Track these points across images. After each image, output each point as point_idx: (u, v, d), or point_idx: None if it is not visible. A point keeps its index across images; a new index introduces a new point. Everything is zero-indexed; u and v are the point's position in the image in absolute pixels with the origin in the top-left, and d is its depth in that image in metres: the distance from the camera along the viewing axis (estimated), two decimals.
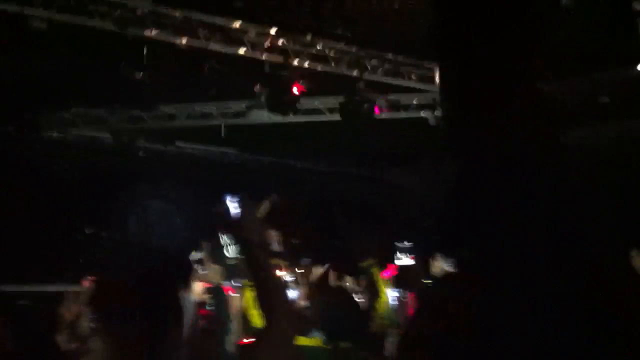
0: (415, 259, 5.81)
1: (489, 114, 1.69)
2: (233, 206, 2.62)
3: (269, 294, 2.36)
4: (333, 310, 4.89)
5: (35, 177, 10.37)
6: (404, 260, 5.74)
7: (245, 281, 4.62)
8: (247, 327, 4.63)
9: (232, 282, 5.50)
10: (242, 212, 2.52)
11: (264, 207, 7.56)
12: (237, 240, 2.58)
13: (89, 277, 5.71)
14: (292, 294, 7.28)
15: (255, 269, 2.43)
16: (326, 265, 7.03)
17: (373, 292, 4.74)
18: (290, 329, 2.39)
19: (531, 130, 1.71)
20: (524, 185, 1.68)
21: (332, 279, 7.05)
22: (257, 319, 4.49)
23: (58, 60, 7.67)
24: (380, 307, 4.77)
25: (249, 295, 4.52)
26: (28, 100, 9.53)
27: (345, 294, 5.51)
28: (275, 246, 8.90)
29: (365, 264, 4.67)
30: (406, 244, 5.81)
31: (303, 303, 6.62)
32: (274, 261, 8.67)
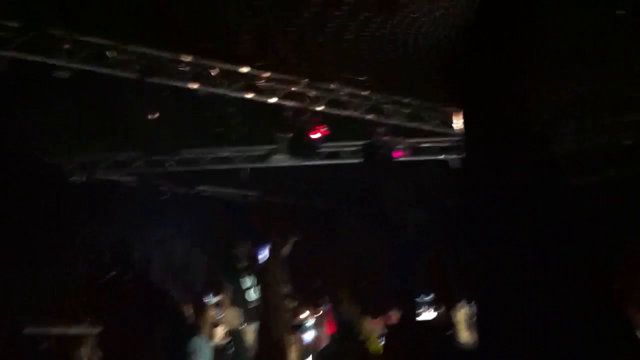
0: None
1: (511, 157, 1.69)
2: (261, 250, 2.64)
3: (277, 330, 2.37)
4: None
5: (58, 220, 10.48)
6: (426, 314, 5.66)
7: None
8: None
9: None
10: (269, 255, 2.54)
11: (287, 248, 7.59)
12: (260, 281, 2.60)
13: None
14: (310, 335, 7.26)
15: (270, 309, 2.43)
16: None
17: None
18: None
19: (549, 175, 1.70)
20: (542, 232, 1.67)
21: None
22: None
23: (80, 105, 7.83)
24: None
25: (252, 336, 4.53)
26: (52, 146, 9.71)
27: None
28: (290, 288, 8.91)
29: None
30: (426, 297, 5.73)
31: (322, 343, 6.60)
32: (291, 304, 8.69)
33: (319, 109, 8.42)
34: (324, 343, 6.80)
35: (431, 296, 5.73)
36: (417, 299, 5.75)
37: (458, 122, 7.05)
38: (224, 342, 5.72)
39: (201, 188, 11.55)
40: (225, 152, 10.24)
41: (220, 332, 5.79)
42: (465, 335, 5.81)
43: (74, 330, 9.16)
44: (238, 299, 7.34)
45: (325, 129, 8.55)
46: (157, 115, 7.77)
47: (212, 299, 5.71)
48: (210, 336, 5.77)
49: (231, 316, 5.55)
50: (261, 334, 6.92)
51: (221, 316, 5.64)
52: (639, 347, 1.60)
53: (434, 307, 5.76)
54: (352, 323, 6.51)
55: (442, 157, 9.72)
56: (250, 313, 7.56)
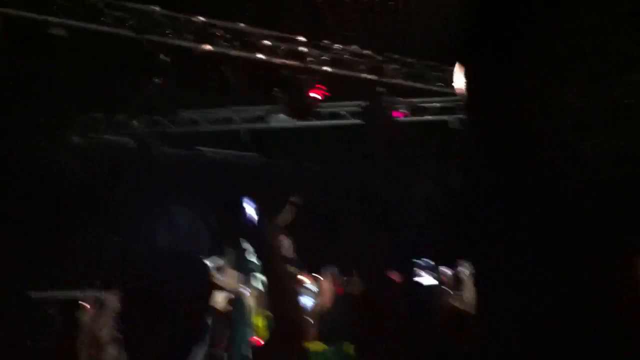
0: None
1: (515, 117, 1.66)
2: (251, 212, 2.59)
3: (282, 300, 2.35)
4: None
5: (58, 181, 10.46)
6: (427, 278, 5.60)
7: (252, 289, 4.60)
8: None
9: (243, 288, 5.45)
10: (261, 219, 2.50)
11: (287, 212, 7.55)
12: (257, 247, 2.57)
13: (113, 288, 5.74)
14: (308, 301, 7.27)
15: (272, 276, 2.40)
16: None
17: None
18: (297, 335, 2.37)
19: (553, 136, 1.68)
20: (542, 190, 1.64)
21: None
22: (260, 324, 4.47)
23: (79, 66, 7.74)
24: None
25: (253, 302, 4.50)
26: (49, 105, 9.63)
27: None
28: (290, 254, 8.91)
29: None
30: (426, 261, 5.68)
31: (322, 309, 6.58)
32: (291, 269, 8.68)
33: (318, 68, 8.31)
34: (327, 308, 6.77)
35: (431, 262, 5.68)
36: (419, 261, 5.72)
37: (459, 80, 6.95)
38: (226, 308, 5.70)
39: (200, 149, 11.50)
40: (224, 113, 10.18)
41: (220, 297, 5.76)
42: (469, 296, 5.81)
43: (80, 294, 9.20)
44: (240, 262, 7.33)
45: (324, 89, 8.44)
46: (155, 79, 7.67)
47: (214, 261, 5.68)
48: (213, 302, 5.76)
49: (230, 278, 5.52)
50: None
51: (221, 279, 5.62)
52: (637, 348, 1.59)
53: (434, 272, 5.73)
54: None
55: (442, 117, 9.65)
56: (252, 278, 7.56)
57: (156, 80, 7.72)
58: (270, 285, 2.46)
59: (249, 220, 2.60)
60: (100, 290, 6.09)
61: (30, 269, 9.74)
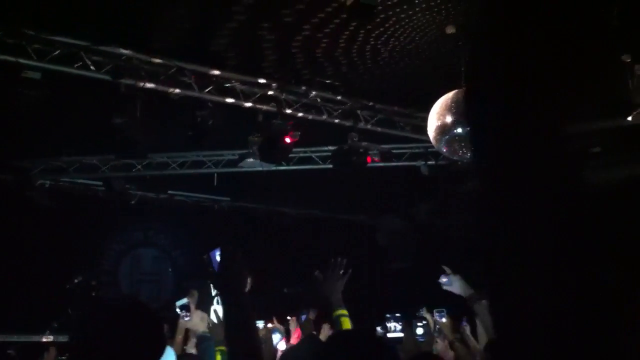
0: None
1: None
2: (217, 258, 2.56)
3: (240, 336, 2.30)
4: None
5: (24, 224, 10.30)
6: (396, 331, 5.61)
7: (218, 346, 4.49)
8: None
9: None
10: (222, 262, 2.47)
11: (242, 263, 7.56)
12: (219, 290, 2.51)
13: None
14: (280, 343, 7.19)
15: (231, 324, 2.36)
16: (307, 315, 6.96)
17: None
18: None
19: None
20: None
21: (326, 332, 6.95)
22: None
23: (50, 108, 7.69)
24: None
25: (219, 358, 4.39)
26: (20, 148, 9.53)
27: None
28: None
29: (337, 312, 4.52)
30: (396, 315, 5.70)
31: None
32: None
33: (292, 113, 8.38)
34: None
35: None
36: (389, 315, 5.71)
37: (430, 127, 7.06)
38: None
39: (171, 192, 11.43)
40: (196, 156, 10.17)
41: (189, 337, 5.67)
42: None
43: (39, 338, 9.00)
44: (205, 303, 7.24)
45: (297, 134, 8.49)
46: (125, 119, 7.63)
47: (181, 302, 5.58)
48: (180, 342, 5.65)
49: (197, 320, 5.41)
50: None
51: (187, 319, 5.52)
52: None
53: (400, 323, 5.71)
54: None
55: (414, 163, 9.76)
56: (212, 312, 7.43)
57: (127, 122, 7.69)
58: (228, 321, 2.41)
59: (214, 265, 2.57)
60: (62, 333, 5.95)
61: None
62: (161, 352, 2.11)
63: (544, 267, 1.59)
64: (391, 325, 5.72)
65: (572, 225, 1.53)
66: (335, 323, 4.32)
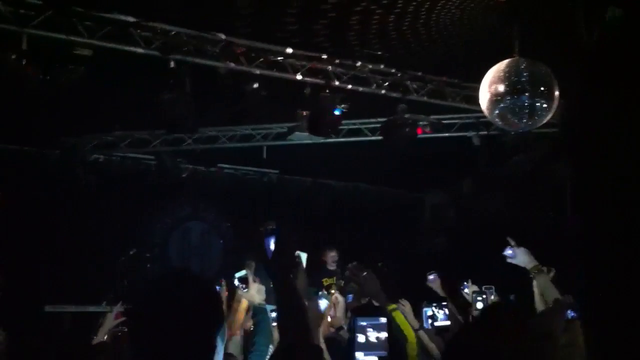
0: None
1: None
2: (271, 244, 2.54)
3: (293, 326, 2.30)
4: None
5: (79, 199, 10.51)
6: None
7: None
8: None
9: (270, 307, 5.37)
10: (277, 249, 2.45)
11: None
12: (271, 278, 2.50)
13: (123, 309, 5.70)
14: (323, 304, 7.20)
15: (283, 312, 2.35)
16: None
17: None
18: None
19: None
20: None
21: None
22: None
23: (101, 83, 7.78)
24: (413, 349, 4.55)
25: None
26: (71, 124, 9.69)
27: None
28: (332, 266, 8.86)
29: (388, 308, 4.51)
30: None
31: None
32: (327, 281, 8.65)
33: (340, 85, 8.31)
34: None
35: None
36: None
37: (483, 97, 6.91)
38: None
39: (221, 166, 11.52)
40: (245, 130, 10.20)
41: (244, 308, 5.67)
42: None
43: (95, 308, 9.20)
44: (262, 276, 7.29)
45: (346, 106, 8.44)
46: (175, 94, 7.69)
47: (239, 274, 5.58)
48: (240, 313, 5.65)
49: (253, 291, 5.41)
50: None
51: (245, 291, 5.51)
52: None
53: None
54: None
55: (465, 133, 9.63)
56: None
57: (176, 97, 7.74)
58: (279, 309, 2.41)
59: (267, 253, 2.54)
60: (114, 305, 6.04)
61: (46, 283, 9.79)
62: (218, 323, 2.11)
63: None
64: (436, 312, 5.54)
65: None
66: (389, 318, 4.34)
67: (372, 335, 4.43)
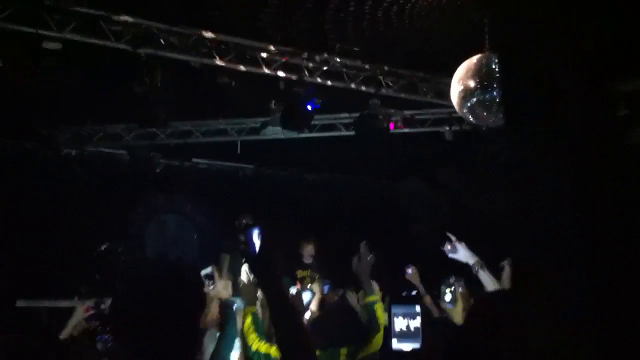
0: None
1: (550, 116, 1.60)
2: (254, 237, 2.53)
3: (284, 322, 2.31)
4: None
5: (52, 193, 10.43)
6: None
7: (248, 306, 4.52)
8: (245, 350, 4.54)
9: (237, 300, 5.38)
10: (264, 246, 2.44)
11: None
12: (257, 276, 2.50)
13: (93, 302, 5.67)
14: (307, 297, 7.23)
15: (275, 310, 2.37)
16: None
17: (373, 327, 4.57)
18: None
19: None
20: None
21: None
22: (256, 345, 4.39)
23: (73, 77, 7.72)
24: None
25: (249, 320, 4.43)
26: (44, 117, 9.61)
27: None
28: (308, 259, 8.86)
29: (371, 298, 4.55)
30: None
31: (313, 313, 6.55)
32: (301, 273, 8.65)
33: (314, 80, 8.31)
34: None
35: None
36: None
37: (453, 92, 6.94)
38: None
39: (196, 161, 11.47)
40: (219, 125, 10.17)
41: (213, 307, 5.67)
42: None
43: (66, 303, 9.14)
44: (234, 268, 7.28)
45: (319, 101, 8.44)
46: (146, 87, 7.64)
47: (206, 271, 5.57)
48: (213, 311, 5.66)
49: (220, 287, 5.42)
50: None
51: (211, 288, 5.51)
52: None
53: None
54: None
55: (438, 128, 9.67)
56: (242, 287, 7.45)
57: (148, 91, 7.69)
58: (271, 308, 2.43)
59: (251, 247, 2.54)
60: (90, 299, 5.97)
61: (17, 277, 9.71)
62: (198, 308, 2.12)
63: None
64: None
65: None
66: (368, 310, 4.38)
67: (408, 323, 4.48)
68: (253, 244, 2.44)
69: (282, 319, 2.31)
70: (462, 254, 4.38)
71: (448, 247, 4.45)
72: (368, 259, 4.52)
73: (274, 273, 2.37)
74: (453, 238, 4.44)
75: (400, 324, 4.50)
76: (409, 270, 6.92)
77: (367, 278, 4.60)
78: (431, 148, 10.24)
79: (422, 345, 4.42)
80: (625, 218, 1.57)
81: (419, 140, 9.91)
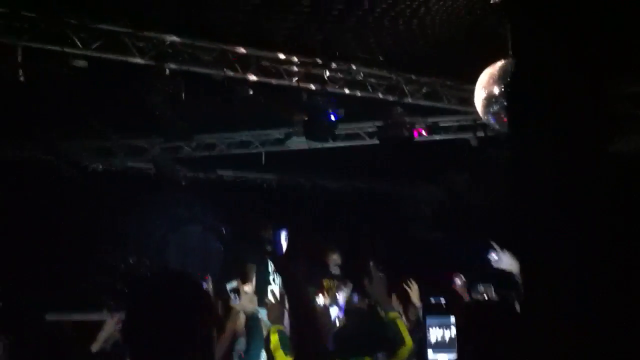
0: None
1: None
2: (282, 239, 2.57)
3: (305, 330, 2.33)
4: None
5: (78, 207, 10.53)
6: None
7: (274, 325, 4.55)
8: None
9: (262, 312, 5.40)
10: (290, 247, 2.47)
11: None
12: (281, 273, 2.54)
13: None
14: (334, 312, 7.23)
15: (294, 306, 2.39)
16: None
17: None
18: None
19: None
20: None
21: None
22: (273, 340, 4.42)
23: (97, 93, 7.82)
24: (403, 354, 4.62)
25: (275, 337, 4.45)
26: (69, 133, 9.72)
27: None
28: (335, 269, 8.85)
29: (390, 315, 4.58)
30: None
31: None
32: (328, 283, 8.65)
33: (336, 90, 8.33)
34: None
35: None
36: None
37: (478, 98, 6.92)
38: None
39: (220, 173, 11.53)
40: (243, 136, 10.22)
41: (239, 320, 5.69)
42: None
43: (95, 316, 9.21)
44: (260, 279, 7.30)
45: (342, 111, 8.46)
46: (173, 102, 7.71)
47: (231, 284, 5.62)
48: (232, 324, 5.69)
49: (245, 302, 5.45)
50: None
51: (237, 302, 5.55)
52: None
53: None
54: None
55: (462, 135, 9.63)
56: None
57: (172, 104, 7.76)
58: (292, 314, 2.45)
59: (279, 247, 2.58)
60: (112, 313, 6.02)
61: (46, 291, 9.80)
62: (211, 322, 2.13)
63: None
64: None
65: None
66: (390, 325, 4.39)
67: (442, 334, 4.49)
68: (280, 245, 2.47)
69: (300, 319, 2.34)
70: (506, 262, 4.36)
71: (494, 256, 4.43)
72: (379, 278, 4.55)
73: (296, 272, 2.39)
74: (497, 247, 4.43)
75: (435, 334, 4.49)
76: (457, 280, 6.83)
77: (383, 297, 4.63)
78: (448, 154, 10.19)
79: (458, 356, 4.40)
80: (626, 218, 1.57)
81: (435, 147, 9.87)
